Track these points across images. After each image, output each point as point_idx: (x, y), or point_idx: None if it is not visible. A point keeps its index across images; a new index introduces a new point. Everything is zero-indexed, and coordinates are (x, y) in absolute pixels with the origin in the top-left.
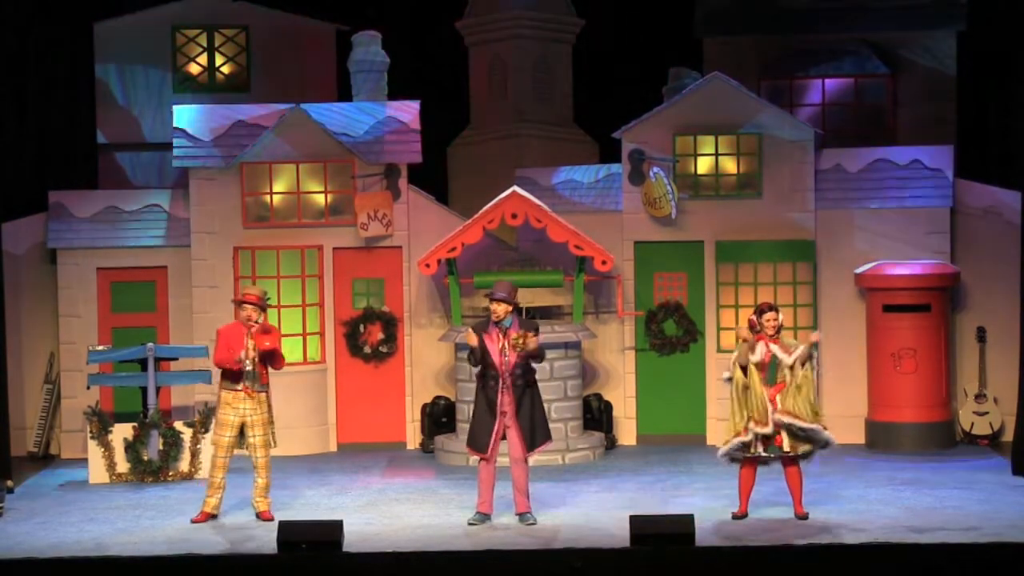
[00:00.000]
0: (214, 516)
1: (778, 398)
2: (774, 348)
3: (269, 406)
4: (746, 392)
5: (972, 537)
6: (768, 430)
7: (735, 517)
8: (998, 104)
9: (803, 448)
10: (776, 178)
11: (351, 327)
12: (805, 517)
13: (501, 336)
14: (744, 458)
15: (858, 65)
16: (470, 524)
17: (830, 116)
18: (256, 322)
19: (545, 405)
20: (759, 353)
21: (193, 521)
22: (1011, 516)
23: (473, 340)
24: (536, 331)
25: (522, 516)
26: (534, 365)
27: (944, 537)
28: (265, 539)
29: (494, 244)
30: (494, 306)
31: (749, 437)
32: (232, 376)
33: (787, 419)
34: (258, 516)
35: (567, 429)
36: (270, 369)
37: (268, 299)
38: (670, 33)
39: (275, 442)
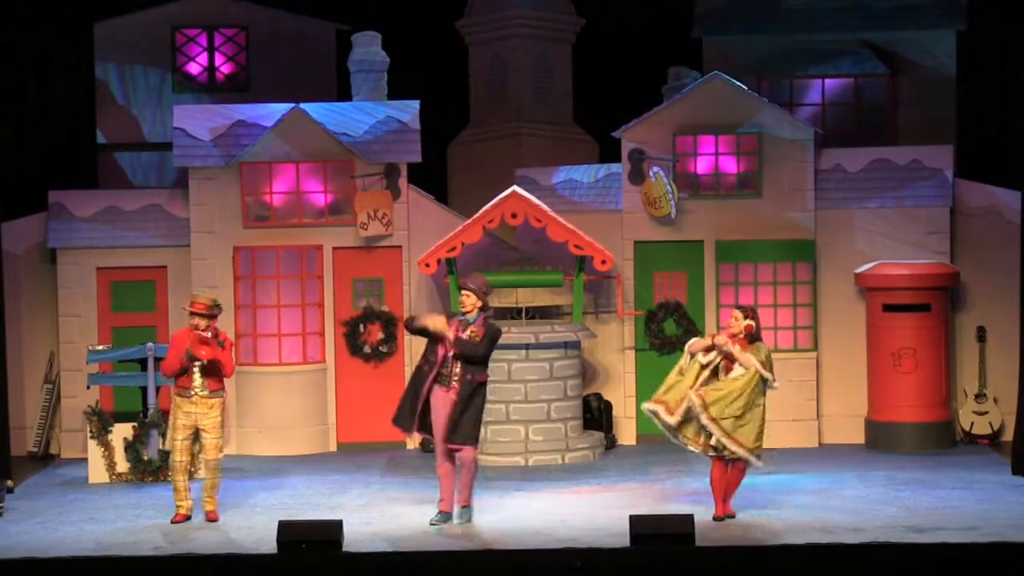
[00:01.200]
0: (189, 517)
1: (705, 394)
2: (735, 349)
3: (222, 411)
4: (680, 376)
5: (971, 536)
6: (672, 420)
7: (716, 519)
8: (998, 104)
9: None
10: (776, 178)
11: (351, 327)
12: (728, 518)
13: (460, 330)
14: (711, 457)
15: (858, 65)
16: (431, 524)
17: (830, 116)
18: (202, 330)
19: (545, 405)
20: (711, 356)
21: (173, 522)
22: (1010, 515)
23: (434, 323)
24: (492, 338)
25: (461, 510)
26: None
27: (944, 537)
28: (265, 539)
29: (494, 244)
30: (463, 297)
31: (675, 418)
32: (184, 384)
33: (710, 424)
34: (205, 516)
35: (567, 429)
36: (225, 376)
37: (217, 306)
38: (670, 32)
39: (222, 446)
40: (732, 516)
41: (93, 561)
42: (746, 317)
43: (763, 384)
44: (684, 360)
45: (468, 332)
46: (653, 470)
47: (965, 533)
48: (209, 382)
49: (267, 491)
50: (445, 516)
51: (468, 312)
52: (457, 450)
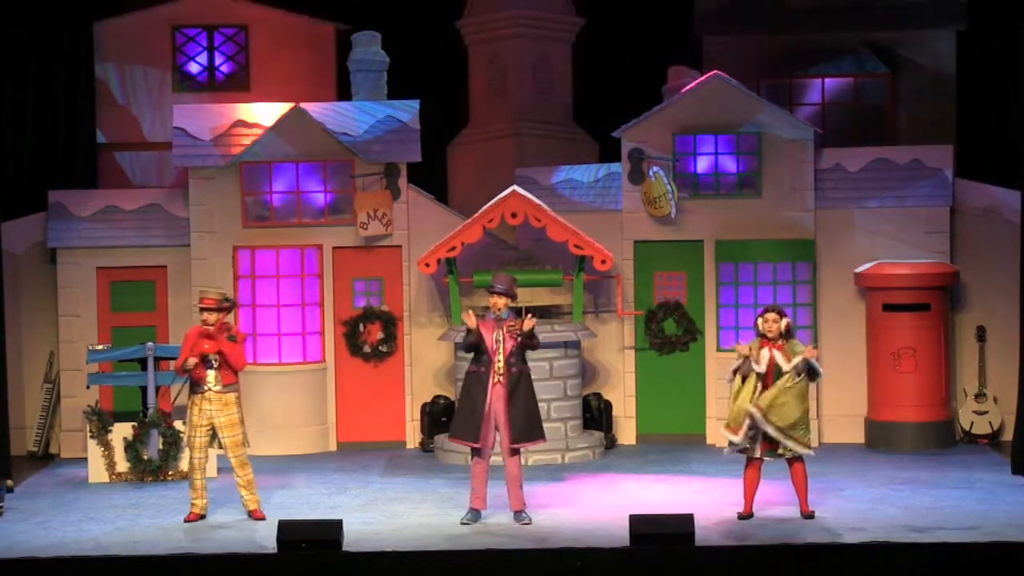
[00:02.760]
0: (203, 516)
1: (763, 404)
2: (776, 355)
3: (238, 406)
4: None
5: (971, 536)
6: (738, 439)
7: (741, 517)
8: (998, 104)
9: (792, 452)
10: (776, 177)
11: (351, 326)
12: (811, 516)
13: (497, 326)
14: (749, 458)
15: (858, 64)
16: (463, 523)
17: (830, 115)
18: (210, 325)
19: (545, 405)
20: (763, 363)
21: (186, 520)
22: (1010, 515)
23: (472, 321)
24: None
25: (517, 514)
26: (529, 352)
27: (943, 536)
28: (265, 539)
29: (494, 243)
30: (494, 299)
31: (740, 437)
32: (197, 380)
33: (771, 430)
34: (250, 515)
35: (566, 428)
36: (236, 369)
37: (227, 300)
38: (670, 32)
39: (248, 442)
40: (811, 516)
41: (93, 561)
42: (781, 316)
43: (810, 375)
44: (736, 383)
45: (510, 325)
46: (653, 470)
47: (965, 533)
48: (222, 376)
49: (267, 491)
50: (476, 514)
51: (501, 311)
52: (520, 449)
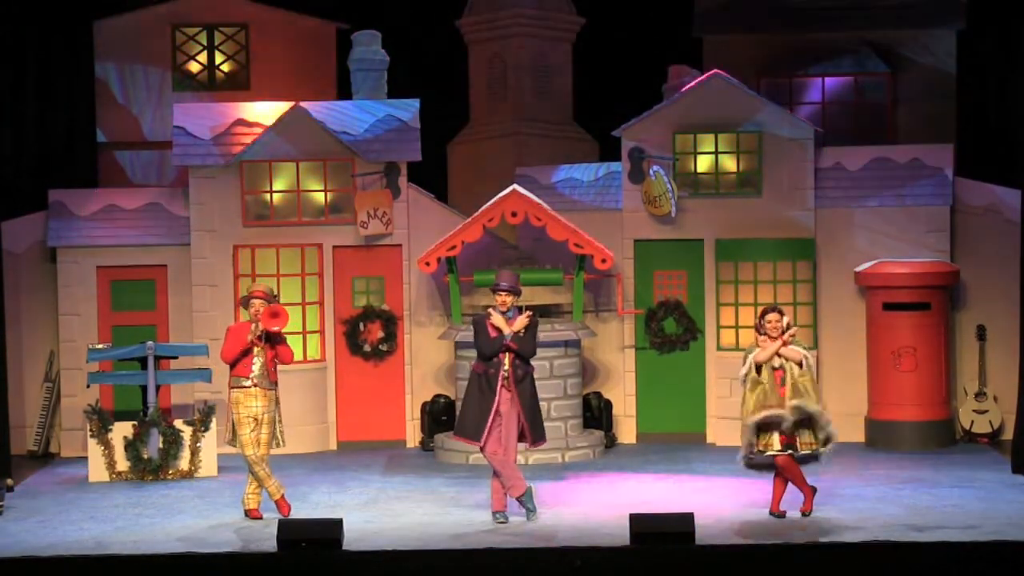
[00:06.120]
0: (283, 495)
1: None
2: (784, 351)
3: (278, 404)
4: (758, 387)
5: (972, 535)
6: (782, 411)
7: (804, 514)
8: (998, 103)
9: (807, 448)
10: (776, 176)
11: (351, 325)
12: (782, 516)
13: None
14: (773, 456)
15: (858, 63)
16: (498, 523)
17: (830, 114)
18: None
19: (545, 404)
20: (767, 353)
21: (282, 513)
22: (1010, 514)
23: (503, 326)
24: (535, 324)
25: (497, 514)
26: (526, 359)
27: (944, 535)
28: (265, 538)
29: (494, 242)
30: (500, 297)
31: (760, 415)
32: (242, 373)
33: (796, 401)
34: (247, 514)
35: (567, 427)
36: (278, 367)
37: (275, 295)
38: (670, 31)
39: (283, 441)
40: (782, 516)
41: (93, 561)
42: (782, 315)
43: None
44: (752, 373)
45: (519, 326)
46: (653, 469)
47: (965, 532)
48: (269, 372)
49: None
50: (504, 514)
51: (507, 308)
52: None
